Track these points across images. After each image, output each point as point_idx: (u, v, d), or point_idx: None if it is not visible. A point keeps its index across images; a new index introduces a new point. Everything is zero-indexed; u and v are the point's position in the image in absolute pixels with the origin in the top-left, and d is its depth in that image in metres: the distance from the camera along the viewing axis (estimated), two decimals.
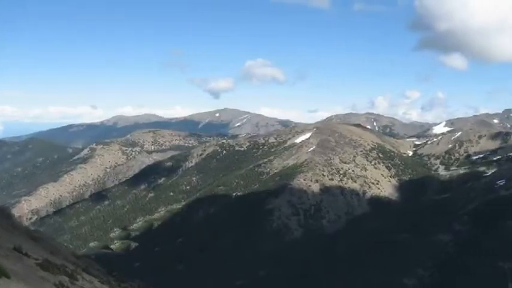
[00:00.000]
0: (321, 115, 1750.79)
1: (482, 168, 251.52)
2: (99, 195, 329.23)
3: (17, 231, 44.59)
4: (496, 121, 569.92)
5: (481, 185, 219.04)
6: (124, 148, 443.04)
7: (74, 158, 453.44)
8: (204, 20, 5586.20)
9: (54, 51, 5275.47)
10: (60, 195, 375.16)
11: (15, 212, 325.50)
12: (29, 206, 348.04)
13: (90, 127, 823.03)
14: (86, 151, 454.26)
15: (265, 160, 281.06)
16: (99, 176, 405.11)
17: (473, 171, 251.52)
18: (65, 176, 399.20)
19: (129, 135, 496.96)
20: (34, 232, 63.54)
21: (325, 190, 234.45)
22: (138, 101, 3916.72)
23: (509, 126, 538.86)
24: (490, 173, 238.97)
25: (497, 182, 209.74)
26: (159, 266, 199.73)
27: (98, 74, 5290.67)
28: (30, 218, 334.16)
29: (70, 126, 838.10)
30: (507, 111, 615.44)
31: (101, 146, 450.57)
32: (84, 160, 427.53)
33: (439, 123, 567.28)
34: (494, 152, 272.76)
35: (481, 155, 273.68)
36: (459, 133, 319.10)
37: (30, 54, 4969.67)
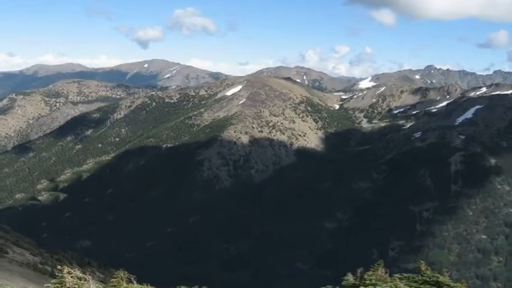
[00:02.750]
0: (252, 68, 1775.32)
1: (401, 122, 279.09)
2: (22, 147, 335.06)
3: None
4: (417, 77, 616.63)
5: (400, 137, 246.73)
6: (47, 99, 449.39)
7: None
8: None
9: None
10: None
11: None
12: None
13: (8, 76, 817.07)
14: (5, 101, 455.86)
15: (196, 112, 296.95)
16: (21, 127, 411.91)
17: (393, 124, 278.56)
18: None
19: (51, 86, 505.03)
20: None
21: (255, 142, 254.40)
22: (60, 49, 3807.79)
23: (429, 82, 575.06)
24: (409, 126, 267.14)
25: (414, 134, 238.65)
26: (90, 216, 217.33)
27: (14, 18, 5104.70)
28: None
29: None
30: (428, 67, 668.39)
31: (22, 96, 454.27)
32: (4, 111, 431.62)
33: (365, 78, 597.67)
34: (413, 106, 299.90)
35: (402, 109, 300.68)
36: (383, 88, 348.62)
37: None
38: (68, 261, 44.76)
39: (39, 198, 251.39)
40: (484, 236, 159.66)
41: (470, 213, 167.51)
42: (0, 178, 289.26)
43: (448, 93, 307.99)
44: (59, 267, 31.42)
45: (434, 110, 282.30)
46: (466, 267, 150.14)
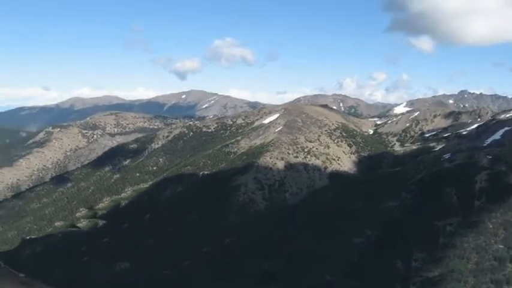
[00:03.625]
0: (290, 97, 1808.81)
1: (433, 144, 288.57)
2: (60, 178, 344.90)
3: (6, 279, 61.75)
4: (451, 101, 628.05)
5: (430, 159, 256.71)
6: (84, 131, 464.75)
7: (29, 142, 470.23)
8: None
9: None
10: (18, 179, 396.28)
11: None
12: None
13: (44, 110, 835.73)
14: (41, 135, 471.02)
15: (233, 140, 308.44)
16: (58, 159, 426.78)
17: (424, 147, 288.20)
18: (21, 160, 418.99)
19: (88, 118, 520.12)
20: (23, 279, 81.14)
21: (290, 167, 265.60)
22: (96, 83, 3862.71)
23: (462, 106, 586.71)
24: (439, 148, 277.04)
25: (444, 156, 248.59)
26: (129, 240, 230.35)
27: (49, 52, 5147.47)
28: None
29: (21, 109, 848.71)
30: (462, 92, 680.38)
31: (58, 129, 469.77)
32: (41, 144, 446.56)
33: (400, 104, 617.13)
34: (445, 129, 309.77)
35: (433, 133, 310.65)
36: (417, 113, 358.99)
37: None
38: None
39: (78, 225, 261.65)
40: (501, 246, 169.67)
41: (491, 226, 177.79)
42: (40, 208, 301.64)
43: (479, 116, 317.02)
44: None
45: (464, 133, 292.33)
46: (483, 273, 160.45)
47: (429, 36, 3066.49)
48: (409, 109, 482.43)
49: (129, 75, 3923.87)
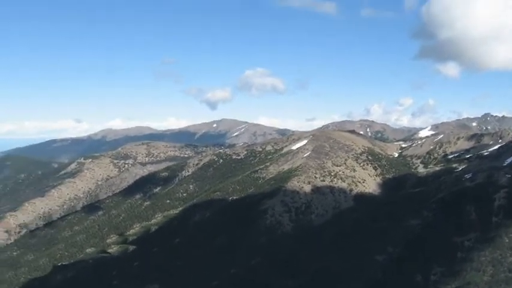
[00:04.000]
0: (319, 123, 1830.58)
1: (455, 165, 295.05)
2: (92, 207, 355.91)
3: None
4: (474, 124, 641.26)
5: (451, 179, 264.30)
6: (115, 161, 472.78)
7: (61, 173, 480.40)
8: (198, 25, 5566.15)
9: (27, 61, 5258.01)
10: (50, 209, 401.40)
11: (1, 227, 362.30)
12: (15, 221, 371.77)
13: (76, 142, 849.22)
14: (73, 165, 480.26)
15: (262, 166, 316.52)
16: (90, 188, 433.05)
17: (447, 168, 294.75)
18: (53, 190, 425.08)
19: (120, 148, 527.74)
20: None
21: (316, 190, 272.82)
22: (128, 114, 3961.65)
23: (484, 128, 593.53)
24: (461, 168, 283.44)
25: (465, 176, 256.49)
26: (158, 263, 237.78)
27: (81, 86, 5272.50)
28: (19, 232, 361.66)
29: (53, 141, 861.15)
30: (485, 115, 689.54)
31: (90, 159, 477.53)
32: (73, 175, 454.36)
33: (425, 128, 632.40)
34: (467, 151, 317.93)
35: (456, 154, 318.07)
36: (441, 136, 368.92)
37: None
38: None
39: (109, 251, 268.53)
40: None
41: (507, 240, 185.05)
42: (71, 235, 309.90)
43: (501, 138, 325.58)
44: None
45: (486, 153, 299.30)
46: (498, 285, 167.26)
47: (456, 63, 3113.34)
48: (433, 132, 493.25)
49: (161, 106, 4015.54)
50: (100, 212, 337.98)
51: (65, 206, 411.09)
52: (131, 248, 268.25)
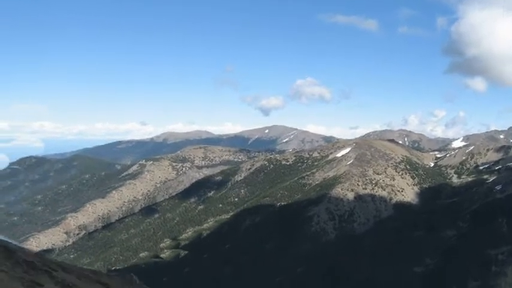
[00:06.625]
0: (361, 131, 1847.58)
1: (486, 176, 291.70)
2: (149, 209, 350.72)
3: None
4: (502, 136, 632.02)
5: (483, 190, 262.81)
6: (174, 164, 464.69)
7: (123, 174, 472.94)
8: (257, 37, 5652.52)
9: (101, 67, 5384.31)
10: (109, 211, 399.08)
11: (62, 228, 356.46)
12: (75, 222, 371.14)
13: (140, 143, 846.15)
14: (135, 167, 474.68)
15: (309, 173, 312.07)
16: (148, 191, 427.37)
17: (478, 179, 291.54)
18: (114, 192, 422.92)
19: (179, 151, 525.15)
20: None
21: (358, 198, 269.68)
22: (189, 118, 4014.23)
23: (511, 141, 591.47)
24: (491, 180, 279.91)
25: (496, 187, 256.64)
26: (207, 269, 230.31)
27: (148, 90, 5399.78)
28: (78, 234, 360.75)
29: (119, 142, 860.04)
30: (511, 128, 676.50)
31: (151, 162, 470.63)
32: (134, 176, 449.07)
33: (457, 139, 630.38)
34: (497, 162, 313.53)
35: (486, 165, 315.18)
36: (472, 147, 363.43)
37: (75, 68, 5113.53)
38: None
39: (162, 255, 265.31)
40: None
41: None
42: (127, 239, 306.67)
43: None
44: None
45: None
46: None
47: (482, 78, 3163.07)
48: (465, 143, 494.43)
49: (219, 111, 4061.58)
50: (156, 215, 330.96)
51: (123, 208, 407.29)
52: (183, 253, 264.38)
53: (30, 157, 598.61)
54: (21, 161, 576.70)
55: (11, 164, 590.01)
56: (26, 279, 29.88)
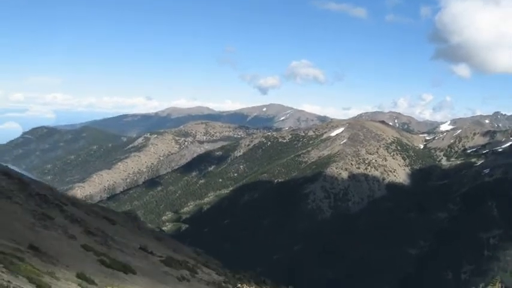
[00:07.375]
0: (354, 112, 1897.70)
1: (473, 160, 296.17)
2: (152, 182, 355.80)
3: (143, 233, 59.33)
4: (487, 121, 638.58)
5: (472, 173, 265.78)
6: (177, 138, 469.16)
7: (128, 146, 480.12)
8: (256, 21, 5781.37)
9: (112, 44, 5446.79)
10: (114, 182, 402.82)
11: None
12: (82, 192, 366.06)
13: (145, 117, 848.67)
14: (140, 140, 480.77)
15: (304, 151, 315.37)
16: (152, 163, 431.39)
17: (467, 162, 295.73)
18: (119, 163, 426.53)
19: (182, 126, 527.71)
20: (158, 233, 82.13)
21: (352, 177, 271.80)
22: (192, 94, 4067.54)
23: (496, 125, 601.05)
24: (479, 163, 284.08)
25: (484, 171, 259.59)
26: (207, 244, 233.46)
27: (155, 67, 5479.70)
28: None
29: (125, 116, 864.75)
30: (496, 113, 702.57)
31: (155, 135, 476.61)
32: (139, 149, 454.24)
33: (445, 122, 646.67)
34: (483, 146, 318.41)
35: (474, 149, 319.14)
36: (459, 131, 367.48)
37: (88, 44, 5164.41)
38: (247, 280, 50.21)
39: (163, 228, 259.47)
40: None
41: None
42: (130, 210, 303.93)
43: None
44: (239, 285, 41.96)
45: (500, 150, 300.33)
46: None
47: (466, 64, 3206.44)
48: (452, 127, 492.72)
49: (220, 89, 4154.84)
50: (159, 188, 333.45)
51: (128, 180, 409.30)
52: (184, 226, 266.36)
53: (42, 127, 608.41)
54: (34, 131, 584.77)
55: (24, 133, 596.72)
56: (38, 212, 34.07)
